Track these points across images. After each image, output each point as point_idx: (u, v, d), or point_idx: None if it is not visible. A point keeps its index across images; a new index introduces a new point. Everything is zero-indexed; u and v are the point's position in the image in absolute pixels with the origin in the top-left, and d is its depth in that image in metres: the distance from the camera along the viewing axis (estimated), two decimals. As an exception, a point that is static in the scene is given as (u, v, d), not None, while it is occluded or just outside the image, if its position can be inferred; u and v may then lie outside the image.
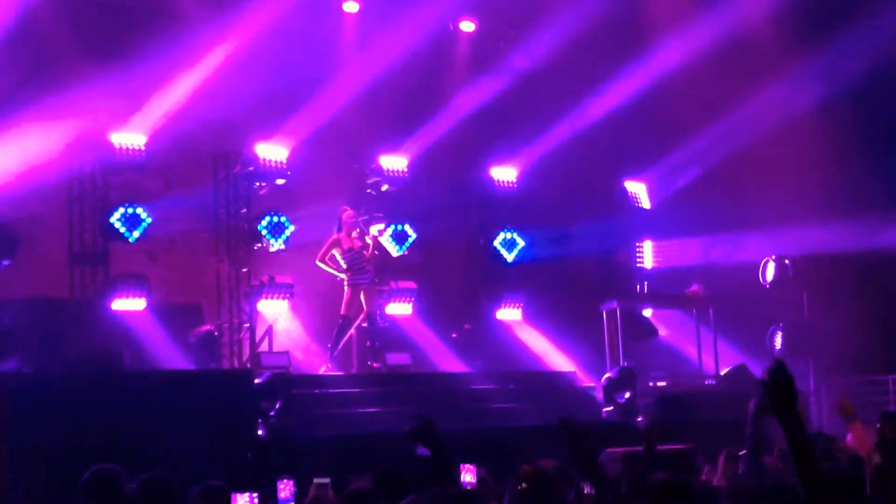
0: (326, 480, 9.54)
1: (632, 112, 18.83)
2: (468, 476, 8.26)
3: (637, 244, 18.63)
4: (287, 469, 9.61)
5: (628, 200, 18.49)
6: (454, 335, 17.12)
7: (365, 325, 15.63)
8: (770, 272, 18.80)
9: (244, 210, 15.80)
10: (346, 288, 15.21)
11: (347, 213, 15.31)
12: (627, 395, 15.09)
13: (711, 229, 18.63)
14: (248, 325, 15.51)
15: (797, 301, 19.39)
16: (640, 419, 14.81)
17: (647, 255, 18.47)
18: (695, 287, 17.75)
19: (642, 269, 18.66)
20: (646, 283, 17.71)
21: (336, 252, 15.12)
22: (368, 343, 15.62)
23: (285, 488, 8.30)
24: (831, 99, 18.14)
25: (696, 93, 18.48)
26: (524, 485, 6.49)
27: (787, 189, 18.01)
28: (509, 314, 17.73)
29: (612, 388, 15.21)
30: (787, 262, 18.59)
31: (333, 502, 7.99)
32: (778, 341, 18.09)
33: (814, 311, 19.42)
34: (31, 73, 15.39)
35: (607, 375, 15.60)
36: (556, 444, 9.27)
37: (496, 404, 14.61)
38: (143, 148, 14.86)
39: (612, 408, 15.08)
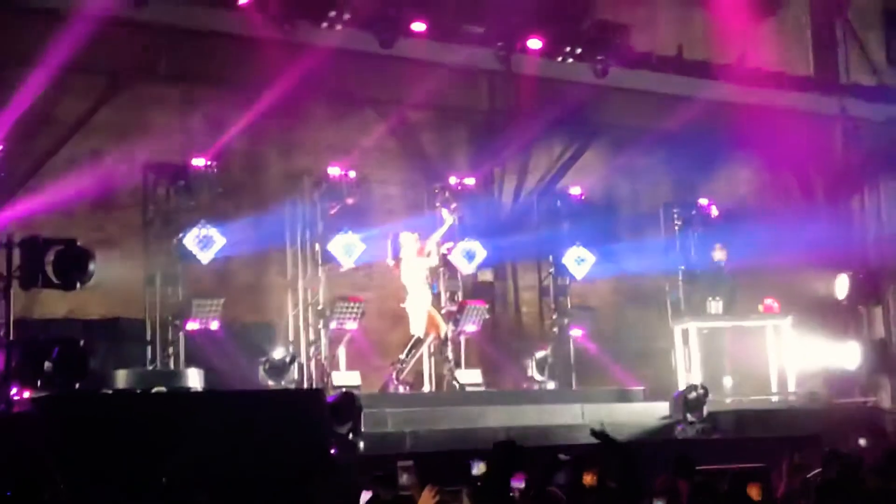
0: (410, 463, 9.78)
1: (703, 126, 18.77)
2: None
3: (709, 259, 18.41)
4: (359, 488, 9.73)
5: (703, 215, 18.32)
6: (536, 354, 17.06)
7: (436, 342, 15.71)
8: (843, 287, 18.60)
9: (315, 230, 15.89)
10: (413, 307, 15.29)
11: (405, 235, 15.39)
12: (697, 413, 14.99)
13: (780, 240, 18.42)
14: (319, 344, 15.60)
15: (875, 316, 19.19)
16: (716, 436, 14.74)
17: (721, 268, 18.22)
18: (769, 302, 17.57)
19: (716, 284, 18.44)
20: (720, 298, 17.50)
21: (403, 273, 15.26)
22: (441, 360, 15.75)
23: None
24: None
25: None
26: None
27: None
28: (578, 331, 17.63)
29: (682, 406, 15.11)
30: (860, 276, 18.37)
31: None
32: (854, 358, 17.84)
33: (893, 326, 19.19)
34: (106, 96, 15.66)
35: (679, 392, 15.51)
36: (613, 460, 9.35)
37: (564, 421, 14.58)
38: (215, 169, 14.99)
39: (684, 425, 14.98)
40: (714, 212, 18.17)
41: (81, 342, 12.21)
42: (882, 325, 19.03)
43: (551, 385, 16.94)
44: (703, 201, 18.27)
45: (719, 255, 17.56)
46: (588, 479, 9.20)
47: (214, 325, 14.74)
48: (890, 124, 21.29)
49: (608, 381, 17.67)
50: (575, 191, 17.81)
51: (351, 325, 15.60)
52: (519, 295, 18.69)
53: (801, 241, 18.70)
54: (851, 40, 21.72)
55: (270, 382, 14.72)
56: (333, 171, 15.69)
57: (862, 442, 9.63)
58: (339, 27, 16.23)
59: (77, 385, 11.95)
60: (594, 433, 8.34)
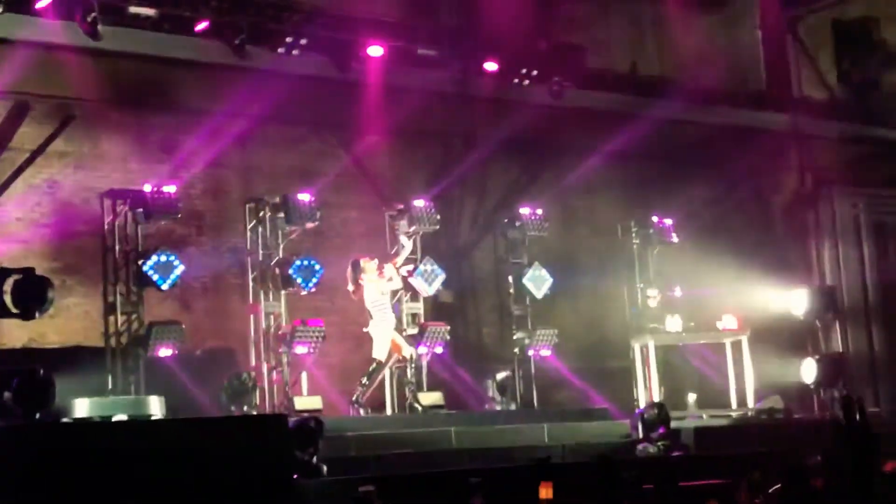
0: (372, 487, 9.81)
1: (658, 145, 18.95)
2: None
3: (667, 277, 18.54)
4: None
5: (660, 233, 18.45)
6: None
7: (398, 366, 15.73)
8: (800, 303, 18.76)
9: (275, 255, 15.86)
10: (376, 331, 15.28)
11: (364, 261, 15.33)
12: (661, 429, 15.07)
13: (741, 259, 18.58)
14: (280, 369, 15.57)
15: (833, 331, 19.35)
16: (675, 453, 14.82)
17: (678, 287, 18.36)
18: (728, 318, 17.69)
19: (673, 301, 18.56)
20: (678, 315, 17.64)
21: (366, 297, 15.24)
22: (403, 383, 15.79)
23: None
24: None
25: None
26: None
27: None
28: (541, 351, 17.69)
29: (645, 424, 15.19)
30: (817, 292, 18.54)
31: None
32: (812, 373, 17.98)
33: (850, 341, 19.37)
34: (63, 123, 15.61)
35: (640, 410, 15.60)
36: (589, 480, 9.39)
37: (528, 443, 14.61)
38: (175, 195, 14.93)
39: (646, 443, 15.06)
40: (674, 238, 18.29)
41: (41, 372, 12.13)
42: (840, 341, 19.22)
43: (513, 406, 16.99)
44: (668, 221, 18.38)
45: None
46: (543, 492, 9.07)
47: (175, 352, 14.67)
48: (843, 140, 21.56)
49: (570, 400, 17.74)
50: (534, 211, 17.89)
51: (311, 350, 15.57)
52: (479, 316, 18.76)
53: (757, 258, 18.90)
54: (803, 57, 21.98)
55: (232, 408, 14.68)
56: (292, 195, 15.69)
57: (818, 458, 9.74)
58: (295, 52, 16.31)
59: (38, 415, 11.87)
60: None
